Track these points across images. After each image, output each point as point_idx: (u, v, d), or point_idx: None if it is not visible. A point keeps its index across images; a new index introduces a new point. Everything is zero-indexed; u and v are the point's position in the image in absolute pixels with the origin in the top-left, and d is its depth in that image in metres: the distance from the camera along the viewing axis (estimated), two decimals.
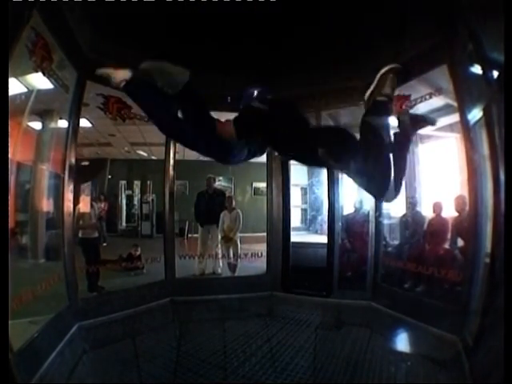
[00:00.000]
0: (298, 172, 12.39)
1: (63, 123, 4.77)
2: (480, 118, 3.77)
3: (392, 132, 2.69)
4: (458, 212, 5.05)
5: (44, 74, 3.84)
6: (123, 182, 11.26)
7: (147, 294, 5.62)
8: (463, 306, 4.05)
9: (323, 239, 6.84)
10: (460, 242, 5.04)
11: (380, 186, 2.57)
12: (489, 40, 3.12)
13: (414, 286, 5.19)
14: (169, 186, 6.18)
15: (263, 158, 6.84)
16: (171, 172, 6.18)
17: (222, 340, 5.06)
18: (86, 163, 7.79)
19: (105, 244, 8.43)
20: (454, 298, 4.30)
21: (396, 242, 5.97)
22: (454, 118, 4.67)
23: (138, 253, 7.10)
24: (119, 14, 4.02)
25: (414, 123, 2.79)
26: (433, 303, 4.65)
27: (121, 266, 6.48)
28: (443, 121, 5.54)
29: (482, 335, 3.40)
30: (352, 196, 7.05)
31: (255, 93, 2.94)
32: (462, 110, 4.20)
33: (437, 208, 5.39)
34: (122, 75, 2.83)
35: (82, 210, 5.82)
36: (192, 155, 11.26)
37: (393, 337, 4.85)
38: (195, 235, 11.39)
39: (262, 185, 8.66)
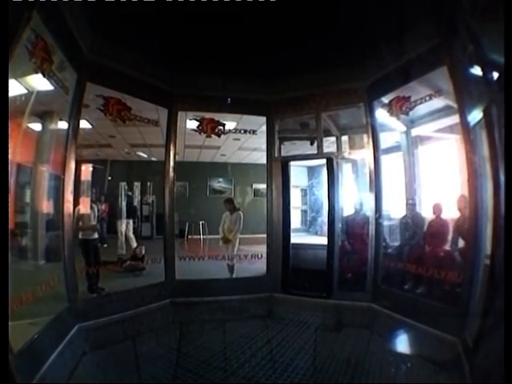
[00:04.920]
0: (298, 173, 12.45)
1: (63, 124, 4.77)
2: (480, 120, 3.77)
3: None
4: (459, 210, 5.04)
5: (44, 76, 3.84)
6: (123, 184, 11.27)
7: (147, 295, 5.62)
8: (463, 307, 4.05)
9: (323, 240, 6.85)
10: (460, 244, 5.04)
11: None
12: (489, 41, 3.12)
13: (414, 287, 5.18)
14: (169, 187, 6.17)
15: (263, 160, 6.85)
16: (171, 173, 6.18)
17: (222, 341, 5.07)
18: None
19: (105, 245, 8.47)
20: (454, 300, 4.30)
21: (396, 244, 5.97)
22: (454, 119, 4.68)
23: (143, 253, 7.07)
24: (119, 15, 4.02)
25: None
26: (433, 304, 4.64)
27: (121, 266, 6.48)
28: (443, 122, 5.56)
29: (482, 336, 3.40)
30: (352, 197, 7.06)
31: None
32: (462, 112, 4.21)
33: (437, 209, 5.39)
34: None
35: (81, 212, 5.82)
36: (192, 157, 11.35)
37: (393, 338, 4.85)
38: (195, 236, 11.47)
39: (262, 186, 8.65)
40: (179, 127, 6.30)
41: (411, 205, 5.78)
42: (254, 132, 7.09)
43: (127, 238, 8.85)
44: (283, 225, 6.67)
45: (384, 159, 5.84)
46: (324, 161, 6.59)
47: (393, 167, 6.38)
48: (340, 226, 6.35)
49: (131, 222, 9.48)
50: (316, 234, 12.57)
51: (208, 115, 6.54)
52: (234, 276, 6.95)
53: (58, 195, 4.65)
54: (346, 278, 6.21)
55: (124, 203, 11.36)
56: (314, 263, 7.12)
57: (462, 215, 5.00)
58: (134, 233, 11.11)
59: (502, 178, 2.97)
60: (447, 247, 5.25)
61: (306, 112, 6.66)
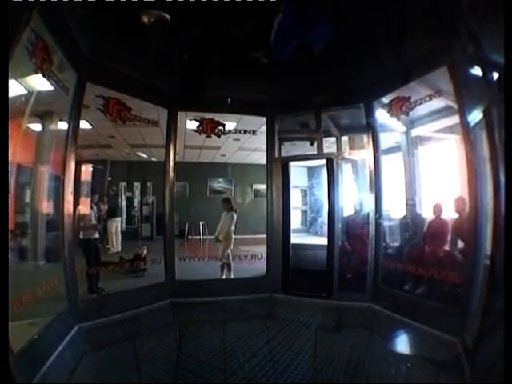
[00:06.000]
0: (298, 174, 12.46)
1: (63, 125, 4.77)
2: (480, 120, 3.78)
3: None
4: (457, 213, 5.05)
5: (44, 76, 3.84)
6: (123, 184, 11.30)
7: (147, 295, 5.62)
8: (463, 307, 4.05)
9: (323, 241, 6.85)
10: (460, 244, 5.04)
11: None
12: (489, 42, 3.12)
13: (413, 287, 5.18)
14: (169, 187, 6.17)
15: (263, 160, 6.85)
16: (171, 174, 6.17)
17: (222, 341, 5.06)
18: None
19: (108, 246, 8.50)
20: (454, 300, 4.29)
21: (396, 244, 5.97)
22: (454, 119, 4.67)
23: (145, 253, 7.07)
24: (119, 15, 4.02)
25: None
26: (433, 305, 4.64)
27: (123, 267, 6.48)
28: (443, 122, 5.56)
29: (482, 337, 3.40)
30: (352, 198, 7.07)
31: None
32: (462, 112, 4.20)
33: (437, 210, 5.39)
34: None
35: (82, 212, 5.82)
36: (192, 157, 11.36)
37: (393, 338, 4.85)
38: (195, 237, 11.48)
39: (262, 186, 8.66)
40: (179, 127, 6.30)
41: (411, 205, 5.78)
42: (253, 132, 7.08)
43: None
44: (283, 225, 6.67)
45: (384, 159, 5.84)
46: (324, 161, 6.59)
47: (393, 167, 6.38)
48: (340, 226, 6.34)
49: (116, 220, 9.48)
50: (316, 234, 12.58)
51: (208, 115, 6.53)
52: (228, 275, 6.97)
53: (58, 195, 4.65)
54: (346, 279, 6.20)
55: (124, 203, 11.41)
56: (314, 263, 7.13)
57: (460, 217, 5.01)
58: (135, 233, 11.20)
59: (502, 178, 2.98)
60: (447, 247, 5.25)
61: (306, 112, 6.66)
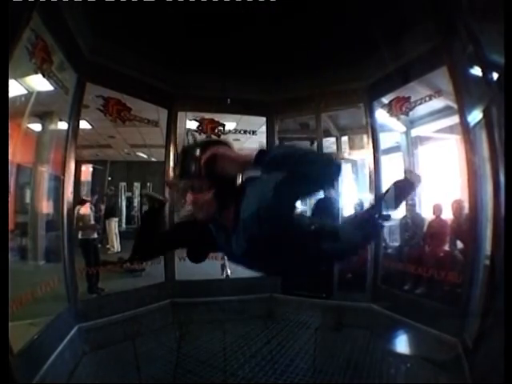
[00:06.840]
0: None
1: (63, 125, 4.77)
2: (480, 120, 3.78)
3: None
4: (454, 216, 5.05)
5: (44, 76, 3.84)
6: (123, 184, 11.28)
7: (147, 295, 5.61)
8: (463, 307, 4.05)
9: None
10: (460, 244, 5.04)
11: None
12: (488, 41, 3.12)
13: (413, 287, 5.17)
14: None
15: None
16: (171, 174, 6.15)
17: (222, 342, 5.06)
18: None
19: (108, 246, 8.50)
20: (454, 300, 4.29)
21: (396, 244, 5.96)
22: (454, 119, 4.68)
23: None
24: (119, 15, 4.02)
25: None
26: (433, 305, 4.64)
27: (121, 267, 6.47)
28: (443, 122, 5.56)
29: (482, 337, 3.39)
30: (352, 198, 7.06)
31: None
32: (462, 112, 4.20)
33: (437, 210, 5.38)
34: None
35: (81, 212, 5.82)
36: None
37: (393, 338, 4.85)
38: None
39: None
40: (179, 127, 6.29)
41: (411, 205, 5.77)
42: (253, 132, 7.07)
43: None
44: None
45: (384, 160, 5.83)
46: None
47: (393, 168, 6.37)
48: None
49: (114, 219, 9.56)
50: None
51: (208, 116, 6.52)
52: (225, 274, 6.94)
53: (57, 195, 4.65)
54: (346, 279, 6.19)
55: (124, 203, 11.40)
56: None
57: (457, 219, 5.01)
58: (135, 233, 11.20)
59: (502, 178, 2.98)
60: (447, 247, 5.24)
61: (305, 112, 6.65)
